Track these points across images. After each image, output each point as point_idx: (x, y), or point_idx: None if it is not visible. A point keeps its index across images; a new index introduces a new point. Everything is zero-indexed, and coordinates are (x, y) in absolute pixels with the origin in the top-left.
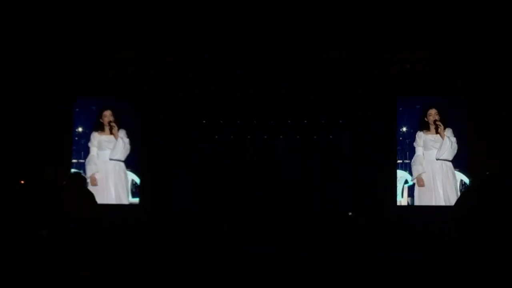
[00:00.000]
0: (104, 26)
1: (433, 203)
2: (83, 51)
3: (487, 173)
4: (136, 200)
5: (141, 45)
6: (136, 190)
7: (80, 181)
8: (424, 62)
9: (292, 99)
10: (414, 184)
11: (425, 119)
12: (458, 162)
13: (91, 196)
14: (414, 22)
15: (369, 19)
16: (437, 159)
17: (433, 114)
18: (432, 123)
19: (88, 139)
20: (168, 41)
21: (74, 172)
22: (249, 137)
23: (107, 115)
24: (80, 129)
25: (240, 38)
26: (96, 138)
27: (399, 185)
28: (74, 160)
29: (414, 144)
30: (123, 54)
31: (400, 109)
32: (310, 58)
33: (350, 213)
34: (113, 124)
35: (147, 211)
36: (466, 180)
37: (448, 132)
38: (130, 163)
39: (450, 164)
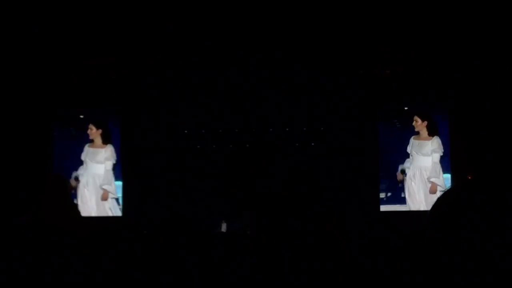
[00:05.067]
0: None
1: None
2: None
3: (469, 177)
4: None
5: (127, 50)
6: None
7: (64, 184)
8: (405, 68)
9: (277, 106)
10: None
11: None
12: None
13: (73, 205)
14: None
15: (356, 22)
16: None
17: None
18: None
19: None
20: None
21: (55, 174)
22: (231, 146)
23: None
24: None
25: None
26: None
27: None
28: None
29: None
30: (106, 59)
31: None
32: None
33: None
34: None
35: (130, 224)
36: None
37: None
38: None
39: None
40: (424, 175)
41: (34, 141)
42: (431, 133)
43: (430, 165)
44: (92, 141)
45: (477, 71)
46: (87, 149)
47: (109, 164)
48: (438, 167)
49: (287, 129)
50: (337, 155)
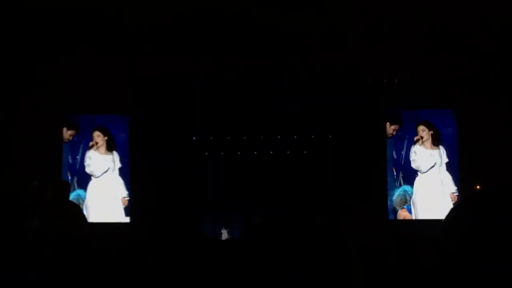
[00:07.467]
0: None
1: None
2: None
3: (478, 187)
4: (126, 219)
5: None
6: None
7: (66, 189)
8: (412, 74)
9: (280, 113)
10: None
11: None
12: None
13: (77, 207)
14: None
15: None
16: None
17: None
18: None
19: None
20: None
21: (57, 179)
22: (239, 153)
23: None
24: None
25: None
26: None
27: None
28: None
29: None
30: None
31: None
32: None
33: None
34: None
35: (138, 231)
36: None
37: None
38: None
39: None
40: (427, 184)
41: (43, 146)
42: (435, 143)
43: (434, 176)
44: (97, 148)
45: (486, 80)
46: (92, 155)
47: (113, 170)
48: (442, 176)
49: (296, 136)
50: (345, 162)
